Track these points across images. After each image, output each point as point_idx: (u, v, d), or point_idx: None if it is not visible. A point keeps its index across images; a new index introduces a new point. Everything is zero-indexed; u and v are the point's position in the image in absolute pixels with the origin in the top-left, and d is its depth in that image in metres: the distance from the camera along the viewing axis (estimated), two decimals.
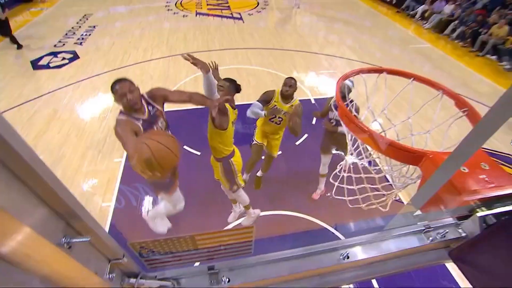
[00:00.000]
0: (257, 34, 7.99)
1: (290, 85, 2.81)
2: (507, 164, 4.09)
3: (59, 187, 0.44)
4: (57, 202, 0.45)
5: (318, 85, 5.80)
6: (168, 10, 9.69)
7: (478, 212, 0.90)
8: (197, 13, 9.43)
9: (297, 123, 2.56)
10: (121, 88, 1.83)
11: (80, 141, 4.25)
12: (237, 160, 2.67)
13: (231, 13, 9.50)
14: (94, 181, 3.68)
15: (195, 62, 1.99)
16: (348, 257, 0.81)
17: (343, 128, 1.37)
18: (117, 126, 1.85)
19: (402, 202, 3.29)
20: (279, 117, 2.97)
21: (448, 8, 9.03)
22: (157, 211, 2.81)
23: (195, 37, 7.70)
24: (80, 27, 8.26)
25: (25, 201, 0.42)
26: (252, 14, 9.60)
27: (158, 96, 2.11)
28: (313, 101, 5.24)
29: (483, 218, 0.88)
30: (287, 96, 2.86)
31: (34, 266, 0.42)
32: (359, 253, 0.83)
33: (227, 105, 2.39)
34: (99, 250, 0.61)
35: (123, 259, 0.66)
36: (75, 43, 7.28)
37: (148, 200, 3.46)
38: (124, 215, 3.30)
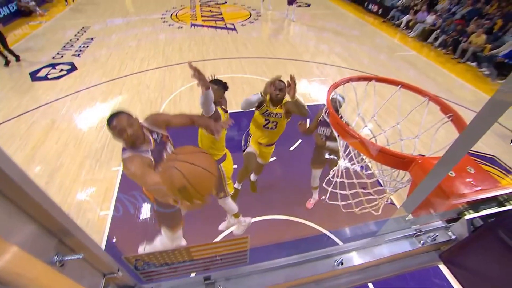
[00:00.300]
0: (250, 44, 8.05)
1: (281, 88, 2.53)
2: (491, 165, 4.14)
3: (50, 205, 0.42)
4: (48, 220, 0.43)
5: (310, 92, 5.84)
6: (164, 22, 9.72)
7: (466, 215, 0.90)
8: (192, 25, 9.47)
9: (299, 102, 2.40)
10: (119, 124, 1.58)
11: (78, 150, 4.18)
12: (227, 166, 2.56)
13: (225, 24, 9.57)
14: (92, 190, 3.62)
15: (197, 76, 1.81)
16: (342, 263, 0.80)
17: (333, 144, 1.36)
18: (126, 165, 1.62)
19: (394, 204, 3.30)
20: (273, 122, 2.74)
21: (430, 18, 9.25)
22: (154, 249, 2.61)
23: (190, 48, 7.72)
24: (78, 39, 8.21)
25: (14, 219, 0.40)
26: (245, 24, 9.68)
27: (160, 121, 1.90)
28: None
29: (470, 221, 0.88)
30: (277, 101, 2.62)
31: (26, 285, 0.40)
32: (353, 259, 0.81)
33: (219, 108, 2.31)
34: (93, 265, 0.58)
35: (118, 273, 0.64)
36: (73, 55, 7.22)
37: (145, 207, 3.41)
38: (122, 223, 3.24)
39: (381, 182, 1.65)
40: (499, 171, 4.06)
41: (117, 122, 1.60)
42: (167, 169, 1.10)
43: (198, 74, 1.80)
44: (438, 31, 8.76)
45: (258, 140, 2.96)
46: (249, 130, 3.04)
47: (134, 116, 1.69)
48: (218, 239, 3.04)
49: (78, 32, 8.70)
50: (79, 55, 7.22)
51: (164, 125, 1.92)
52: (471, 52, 7.60)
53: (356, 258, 0.82)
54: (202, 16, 10.36)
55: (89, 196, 3.55)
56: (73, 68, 6.53)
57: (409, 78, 6.82)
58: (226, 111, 2.45)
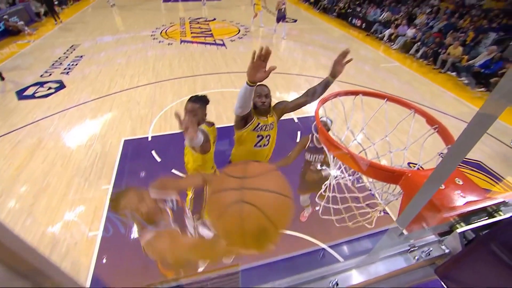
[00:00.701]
0: (239, 58, 8.16)
1: (266, 94, 2.17)
2: (478, 171, 4.22)
3: (19, 246, 0.39)
4: (18, 262, 0.39)
5: None
6: (154, 39, 9.79)
7: (458, 228, 0.89)
8: (181, 41, 9.57)
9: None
10: (129, 203, 1.36)
11: (65, 169, 4.05)
12: None
13: (214, 40, 9.72)
14: (81, 210, 3.48)
15: (185, 126, 1.50)
16: (337, 284, 0.77)
17: (325, 172, 1.34)
18: (154, 244, 1.34)
19: (388, 213, 3.29)
20: (266, 136, 2.33)
21: (410, 32, 9.65)
22: None
23: (180, 64, 7.76)
24: (67, 57, 8.16)
25: None
26: (234, 40, 9.86)
27: (171, 188, 1.63)
28: (296, 120, 5.31)
29: (463, 234, 0.88)
30: (264, 110, 2.20)
31: None
32: (348, 279, 0.79)
33: (205, 126, 2.17)
34: None
35: None
36: (62, 72, 7.14)
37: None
38: (112, 244, 3.11)
39: (374, 194, 1.65)
40: (487, 176, 4.14)
41: (126, 202, 1.37)
42: (232, 208, 0.67)
43: (186, 122, 1.47)
44: (419, 43, 9.14)
45: None
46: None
47: (145, 189, 1.48)
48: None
49: (67, 50, 8.66)
50: (68, 73, 7.14)
51: (176, 191, 1.68)
52: (450, 63, 7.92)
53: (351, 278, 0.80)
54: (191, 32, 10.50)
55: (77, 216, 3.41)
56: (61, 86, 6.44)
57: (394, 88, 7.02)
58: (211, 125, 2.29)
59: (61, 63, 7.71)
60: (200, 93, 2.32)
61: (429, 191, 0.74)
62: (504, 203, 1.08)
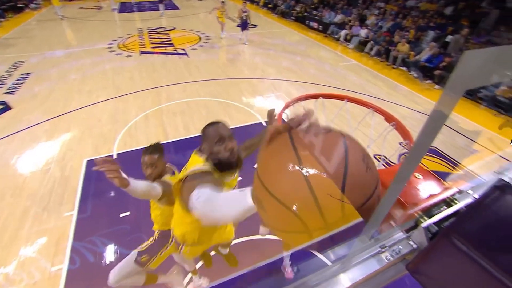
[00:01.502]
0: (202, 67, 8.04)
1: (230, 135, 1.38)
2: (436, 157, 4.58)
3: None
4: None
5: (267, 107, 5.96)
6: (111, 51, 9.28)
7: (422, 222, 0.93)
8: (141, 52, 9.19)
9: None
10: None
11: (17, 200, 3.64)
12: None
13: (175, 49, 9.48)
14: (40, 243, 3.13)
15: (111, 173, 1.25)
16: None
17: None
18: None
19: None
20: None
21: (363, 32, 10.27)
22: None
23: (141, 76, 7.44)
24: (10, 75, 7.39)
25: None
26: (195, 48, 9.70)
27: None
28: (264, 124, 5.34)
29: (427, 228, 0.91)
30: (231, 164, 1.38)
31: None
32: None
33: (166, 177, 1.93)
34: None
35: None
36: (6, 92, 6.45)
37: (109, 252, 3.04)
38: (80, 276, 2.84)
39: None
40: (443, 161, 4.50)
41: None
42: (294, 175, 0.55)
43: (108, 167, 1.22)
44: (372, 42, 9.76)
45: (216, 243, 2.22)
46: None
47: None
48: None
49: (10, 68, 7.85)
50: (13, 92, 6.47)
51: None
52: (400, 59, 8.56)
53: None
54: (151, 43, 10.14)
55: (36, 251, 3.06)
56: (6, 107, 5.80)
57: (354, 84, 7.40)
58: (173, 173, 2.06)
59: (3, 82, 6.97)
60: (154, 142, 2.07)
61: (394, 194, 0.76)
62: (459, 192, 1.16)
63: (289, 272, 2.85)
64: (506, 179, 1.23)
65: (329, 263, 0.87)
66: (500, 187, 0.65)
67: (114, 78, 7.24)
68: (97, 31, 11.69)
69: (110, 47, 9.63)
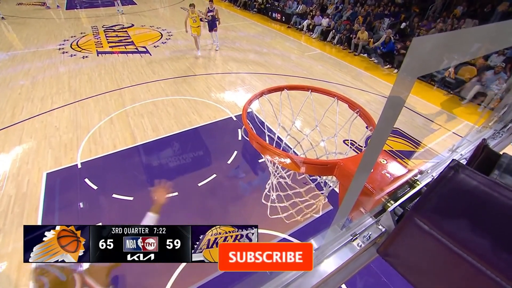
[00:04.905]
0: (166, 64, 7.69)
1: None
2: (399, 137, 4.85)
3: None
4: None
5: (236, 102, 5.89)
6: (63, 53, 8.51)
7: (388, 206, 0.95)
8: (98, 53, 8.54)
9: None
10: None
11: None
12: None
13: (136, 48, 8.95)
14: None
15: None
16: None
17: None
18: None
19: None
20: None
21: (325, 21, 10.48)
22: None
23: (101, 77, 6.93)
24: None
25: None
26: (157, 46, 9.24)
27: None
28: (234, 118, 5.27)
29: (393, 211, 0.94)
30: None
31: None
32: (301, 285, 0.77)
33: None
34: None
35: None
36: None
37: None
38: None
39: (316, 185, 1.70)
40: (406, 140, 4.79)
41: None
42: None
43: None
44: (333, 31, 10.00)
45: None
46: None
47: None
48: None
49: None
50: None
51: None
52: (361, 46, 8.89)
53: (304, 283, 0.78)
54: (108, 42, 9.45)
55: None
56: None
57: (320, 73, 7.56)
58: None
59: None
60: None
61: (360, 182, 0.76)
62: (420, 172, 1.21)
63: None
64: (458, 156, 1.31)
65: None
66: (454, 167, 0.67)
67: (70, 82, 6.66)
68: (43, 30, 10.63)
69: (62, 48, 8.83)
